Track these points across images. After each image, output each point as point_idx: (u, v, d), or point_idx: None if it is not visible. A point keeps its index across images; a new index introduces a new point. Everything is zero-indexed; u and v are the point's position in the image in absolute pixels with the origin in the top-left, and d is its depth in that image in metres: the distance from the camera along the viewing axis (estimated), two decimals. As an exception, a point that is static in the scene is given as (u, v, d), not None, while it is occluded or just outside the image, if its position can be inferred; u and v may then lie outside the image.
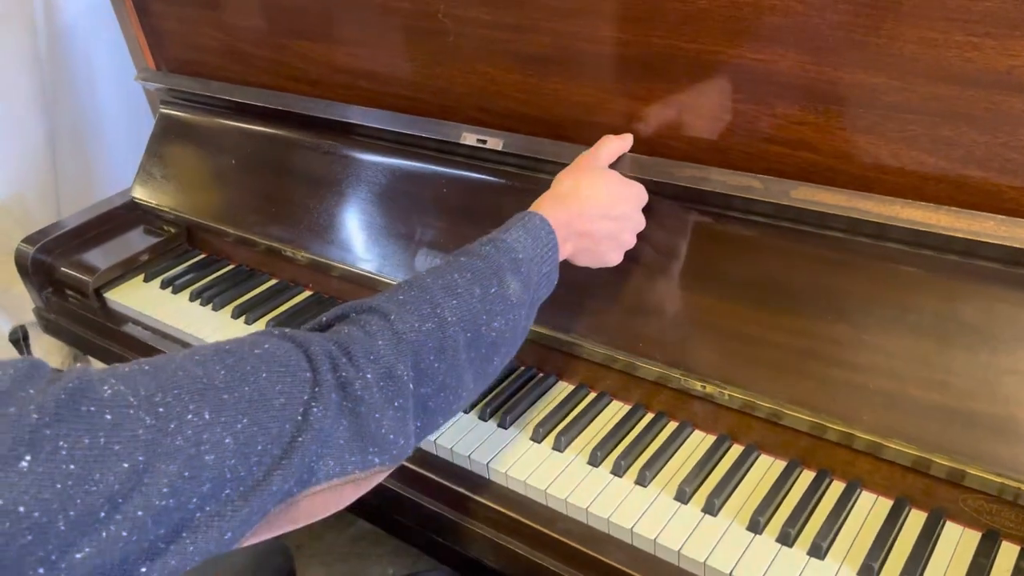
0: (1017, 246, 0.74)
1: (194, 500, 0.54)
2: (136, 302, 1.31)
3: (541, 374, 1.03)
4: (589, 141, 0.96)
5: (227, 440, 0.55)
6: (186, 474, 0.53)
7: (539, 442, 0.94)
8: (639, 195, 0.93)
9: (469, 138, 1.08)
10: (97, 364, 1.62)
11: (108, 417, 0.50)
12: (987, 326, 0.76)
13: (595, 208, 0.87)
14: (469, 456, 0.93)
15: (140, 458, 0.51)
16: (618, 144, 0.96)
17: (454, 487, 0.92)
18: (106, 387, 0.52)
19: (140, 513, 0.50)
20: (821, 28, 0.79)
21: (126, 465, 0.50)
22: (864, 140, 0.81)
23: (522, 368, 1.04)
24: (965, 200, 0.78)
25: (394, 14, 1.11)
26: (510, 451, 0.93)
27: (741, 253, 0.90)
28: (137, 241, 1.43)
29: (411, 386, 0.68)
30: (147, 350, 1.25)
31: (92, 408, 0.50)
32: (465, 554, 1.10)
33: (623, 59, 0.94)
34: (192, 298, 1.28)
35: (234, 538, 0.57)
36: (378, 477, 0.67)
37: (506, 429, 0.96)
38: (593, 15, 0.93)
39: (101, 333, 1.34)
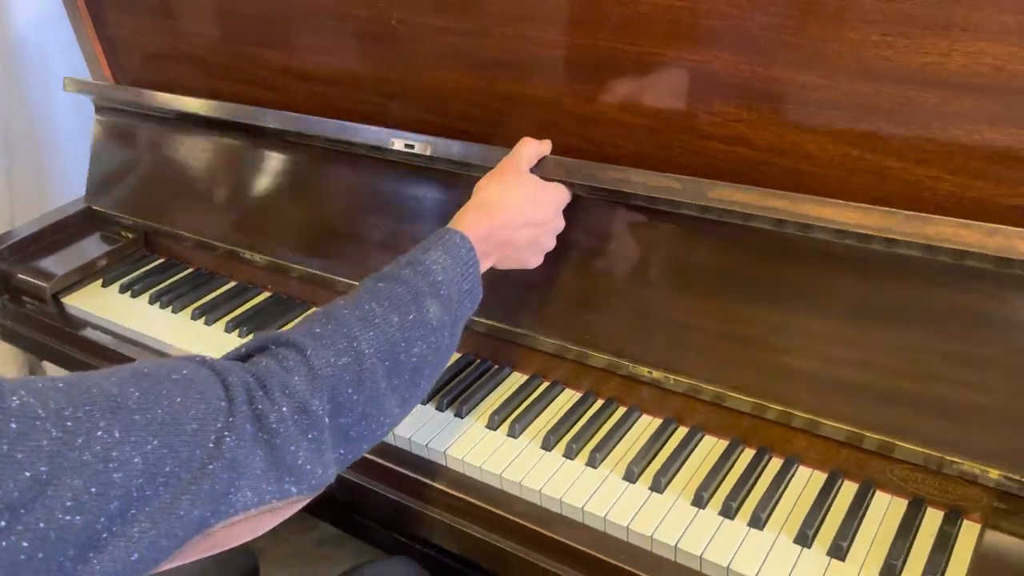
0: (925, 243, 0.78)
1: (102, 519, 0.54)
2: (95, 307, 1.32)
3: (496, 366, 1.07)
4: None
5: (136, 459, 0.55)
6: (92, 490, 0.53)
7: (494, 429, 0.97)
8: (560, 197, 0.95)
9: (398, 143, 1.09)
10: (56, 370, 1.62)
11: (13, 426, 0.50)
12: (906, 310, 0.81)
13: (516, 217, 0.89)
14: (427, 445, 0.96)
15: (43, 468, 0.51)
16: (537, 147, 0.97)
17: (413, 475, 0.95)
18: (15, 398, 0.52)
19: (42, 525, 0.50)
20: (752, 30, 0.84)
21: (28, 474, 0.50)
22: (794, 135, 0.86)
23: (478, 361, 1.08)
24: (888, 189, 0.83)
25: (350, 20, 1.14)
26: (466, 439, 0.96)
27: (675, 247, 0.94)
28: (94, 246, 1.44)
29: (327, 420, 0.69)
30: (106, 354, 1.26)
31: None
32: (425, 550, 1.13)
33: (568, 62, 0.98)
34: (151, 301, 1.30)
35: (143, 561, 0.57)
36: (296, 506, 0.68)
37: (462, 418, 0.99)
38: (540, 20, 0.97)
39: (60, 338, 1.34)
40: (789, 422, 0.87)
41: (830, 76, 0.81)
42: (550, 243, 0.95)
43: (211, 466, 0.60)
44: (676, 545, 0.80)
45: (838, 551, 0.78)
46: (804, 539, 0.79)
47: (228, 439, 0.61)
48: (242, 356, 0.71)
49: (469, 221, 0.87)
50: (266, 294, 1.29)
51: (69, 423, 0.53)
